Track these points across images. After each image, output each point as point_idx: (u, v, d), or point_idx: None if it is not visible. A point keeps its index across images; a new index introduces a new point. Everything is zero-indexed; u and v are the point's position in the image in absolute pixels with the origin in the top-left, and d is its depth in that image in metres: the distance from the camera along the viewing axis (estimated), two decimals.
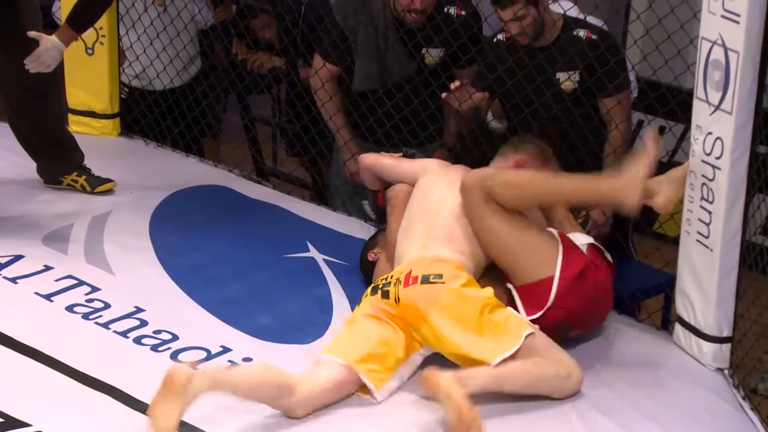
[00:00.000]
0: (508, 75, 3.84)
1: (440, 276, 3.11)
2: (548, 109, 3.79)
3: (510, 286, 3.27)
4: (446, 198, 3.35)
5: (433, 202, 3.37)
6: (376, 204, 3.72)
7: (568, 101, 3.79)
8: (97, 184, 4.24)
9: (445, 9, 4.11)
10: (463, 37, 4.05)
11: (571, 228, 3.45)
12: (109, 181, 4.27)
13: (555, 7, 3.87)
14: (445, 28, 4.09)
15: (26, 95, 4.07)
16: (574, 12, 3.94)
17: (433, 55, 4.16)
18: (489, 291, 3.12)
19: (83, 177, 4.24)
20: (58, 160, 4.25)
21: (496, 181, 3.24)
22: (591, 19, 3.87)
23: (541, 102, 3.79)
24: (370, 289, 3.21)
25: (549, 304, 3.19)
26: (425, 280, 3.10)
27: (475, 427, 2.77)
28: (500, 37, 3.91)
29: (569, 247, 3.28)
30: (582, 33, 3.77)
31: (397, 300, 3.09)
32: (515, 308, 3.21)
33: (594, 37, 3.75)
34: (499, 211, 3.21)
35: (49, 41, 3.86)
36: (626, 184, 3.14)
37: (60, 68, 4.03)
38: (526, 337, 3.00)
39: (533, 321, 3.16)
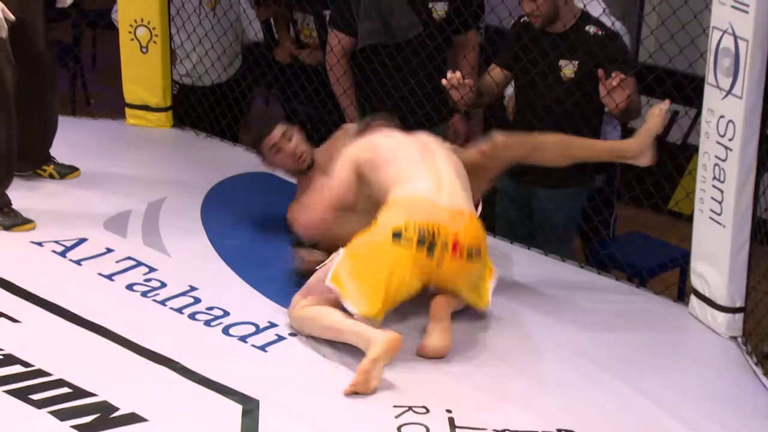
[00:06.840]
0: (521, 54, 3.81)
1: (479, 253, 3.14)
2: (550, 90, 3.76)
3: None
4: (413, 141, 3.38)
5: (400, 140, 3.38)
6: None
7: (570, 85, 3.73)
8: (65, 173, 4.20)
9: None
10: None
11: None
12: (75, 169, 4.22)
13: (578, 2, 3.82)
14: None
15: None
16: (595, 5, 3.88)
17: (439, 9, 4.06)
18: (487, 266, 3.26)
19: (51, 166, 4.20)
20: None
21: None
22: (606, 18, 3.80)
23: (545, 84, 3.76)
24: (416, 239, 3.03)
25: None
26: (469, 256, 3.09)
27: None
28: (525, 18, 3.84)
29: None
30: (591, 29, 3.70)
31: (439, 264, 3.06)
32: None
33: (600, 33, 3.69)
34: None
35: None
36: None
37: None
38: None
39: None
